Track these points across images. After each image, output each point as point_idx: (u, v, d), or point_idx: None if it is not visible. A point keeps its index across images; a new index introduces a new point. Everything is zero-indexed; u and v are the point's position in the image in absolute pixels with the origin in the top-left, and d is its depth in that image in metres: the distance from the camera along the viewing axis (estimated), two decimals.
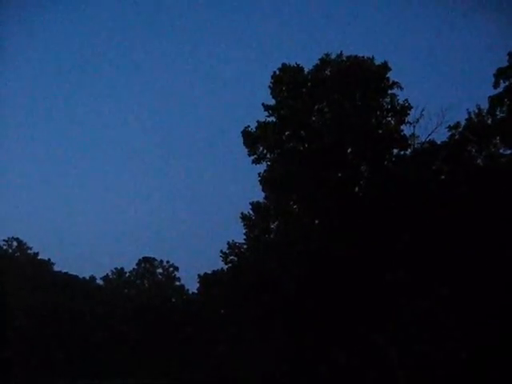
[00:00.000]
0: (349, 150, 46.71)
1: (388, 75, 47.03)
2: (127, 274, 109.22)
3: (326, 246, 44.11)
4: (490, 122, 42.98)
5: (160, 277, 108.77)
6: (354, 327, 41.09)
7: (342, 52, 47.84)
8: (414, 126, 45.59)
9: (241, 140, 47.71)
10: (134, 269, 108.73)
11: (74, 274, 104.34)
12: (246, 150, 47.35)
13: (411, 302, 38.93)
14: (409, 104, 46.26)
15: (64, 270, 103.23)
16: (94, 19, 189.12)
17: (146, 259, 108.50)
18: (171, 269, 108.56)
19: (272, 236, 51.41)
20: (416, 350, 37.60)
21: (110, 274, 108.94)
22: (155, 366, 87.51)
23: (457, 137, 43.97)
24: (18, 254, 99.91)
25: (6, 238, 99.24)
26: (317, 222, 47.93)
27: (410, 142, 46.02)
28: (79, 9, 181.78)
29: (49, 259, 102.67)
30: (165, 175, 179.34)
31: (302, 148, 47.14)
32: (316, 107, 47.86)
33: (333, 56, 47.81)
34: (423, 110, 44.77)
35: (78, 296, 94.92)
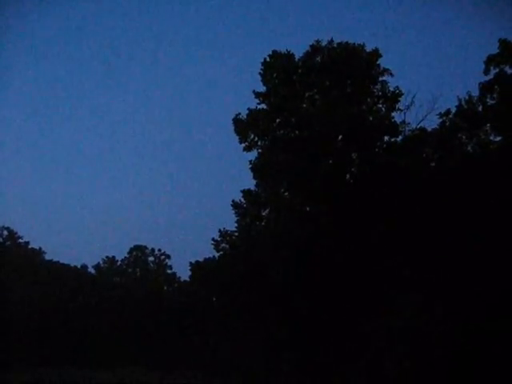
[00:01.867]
0: (339, 137, 46.68)
1: (379, 62, 47.07)
2: (119, 263, 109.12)
3: (316, 233, 44.16)
4: (480, 109, 43.02)
5: (152, 265, 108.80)
6: (343, 316, 41.21)
7: (332, 39, 47.77)
8: (405, 113, 45.70)
9: (232, 127, 47.73)
10: (125, 257, 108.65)
11: (66, 262, 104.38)
12: (237, 137, 47.39)
13: (403, 292, 39.02)
14: (400, 91, 46.32)
15: (55, 259, 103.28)
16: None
17: (137, 247, 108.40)
18: (163, 257, 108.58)
19: (263, 223, 51.36)
20: (406, 340, 37.67)
21: (101, 262, 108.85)
22: (145, 356, 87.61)
23: (447, 124, 44.02)
24: (9, 242, 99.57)
25: None
26: (308, 209, 47.96)
27: (400, 129, 46.09)
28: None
29: (40, 248, 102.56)
30: (156, 163, 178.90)
31: (292, 135, 47.09)
32: (307, 94, 47.78)
33: (324, 43, 47.66)
34: (414, 96, 44.84)
35: (70, 285, 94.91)
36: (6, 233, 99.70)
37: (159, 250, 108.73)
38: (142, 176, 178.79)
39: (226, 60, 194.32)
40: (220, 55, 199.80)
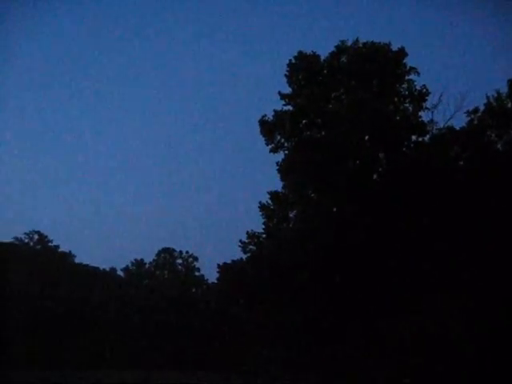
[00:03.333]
0: (366, 137, 46.50)
1: (405, 61, 46.77)
2: (147, 265, 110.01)
3: (343, 233, 44.03)
4: (509, 106, 42.50)
5: (180, 267, 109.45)
6: (369, 315, 41.00)
7: (358, 38, 47.61)
8: (432, 112, 45.39)
9: (258, 129, 47.87)
10: (153, 260, 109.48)
11: (95, 265, 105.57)
12: (264, 139, 47.49)
13: (431, 291, 38.71)
14: (426, 90, 45.98)
15: (85, 262, 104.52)
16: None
17: (165, 250, 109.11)
18: (191, 259, 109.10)
19: (291, 225, 51.30)
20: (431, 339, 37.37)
21: (130, 265, 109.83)
22: (174, 357, 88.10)
23: (476, 122, 43.56)
24: (39, 246, 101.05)
25: (27, 232, 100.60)
26: (335, 209, 47.80)
27: (428, 128, 45.77)
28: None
29: (70, 251, 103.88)
30: (183, 166, 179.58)
31: (319, 136, 47.04)
32: (333, 95, 47.69)
33: (349, 43, 47.58)
34: (441, 95, 44.51)
35: (99, 288, 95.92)
36: (36, 237, 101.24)
37: (187, 253, 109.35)
38: (169, 179, 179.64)
39: (251, 61, 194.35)
40: (246, 57, 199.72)
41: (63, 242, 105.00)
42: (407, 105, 47.02)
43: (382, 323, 39.15)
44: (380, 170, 46.53)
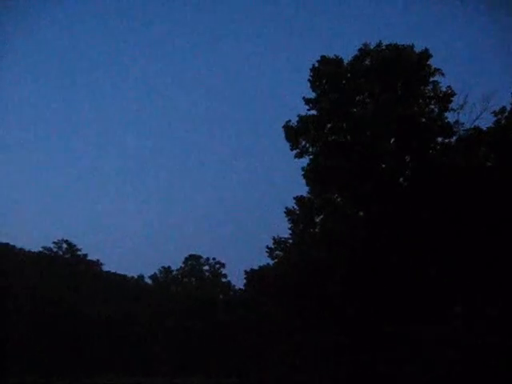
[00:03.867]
0: (392, 140, 46.21)
1: (429, 62, 46.36)
2: (174, 272, 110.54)
3: (371, 237, 43.76)
4: None
5: (207, 274, 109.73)
6: (396, 321, 40.63)
7: (380, 41, 47.23)
8: (458, 113, 44.82)
9: (283, 134, 47.85)
10: (180, 267, 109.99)
11: (123, 273, 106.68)
12: (289, 144, 47.45)
13: (456, 297, 38.27)
14: (452, 91, 45.46)
15: (113, 271, 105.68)
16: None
17: (192, 257, 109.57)
18: (217, 265, 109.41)
19: (317, 230, 51.18)
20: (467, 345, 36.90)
21: (157, 272, 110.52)
22: (204, 363, 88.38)
23: (503, 122, 42.99)
24: (69, 255, 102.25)
25: (56, 241, 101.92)
26: (361, 213, 47.56)
27: (454, 129, 45.22)
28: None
29: (98, 260, 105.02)
30: (210, 173, 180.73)
31: (344, 140, 46.86)
32: (357, 98, 47.40)
33: (372, 46, 47.30)
34: (467, 96, 43.97)
35: (127, 295, 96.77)
36: (65, 246, 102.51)
37: (214, 259, 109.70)
38: (195, 186, 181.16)
39: (275, 67, 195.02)
40: (269, 64, 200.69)
41: (92, 251, 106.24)
42: (433, 106, 46.54)
43: (414, 329, 38.73)
44: (407, 172, 46.16)
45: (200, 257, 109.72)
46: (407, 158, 46.11)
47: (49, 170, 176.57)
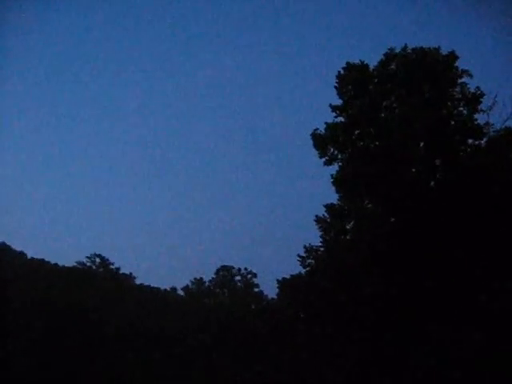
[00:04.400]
0: (421, 144, 45.82)
1: (456, 64, 45.95)
2: (206, 284, 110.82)
3: (403, 243, 43.32)
4: None
5: (239, 284, 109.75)
6: (430, 330, 40.04)
7: (406, 45, 47.04)
8: (488, 114, 44.25)
9: (311, 143, 47.90)
10: (212, 278, 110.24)
11: (156, 286, 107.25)
12: (317, 152, 47.45)
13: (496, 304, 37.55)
14: (480, 91, 44.88)
15: (146, 283, 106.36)
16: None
17: (224, 268, 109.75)
18: (249, 275, 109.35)
19: (348, 237, 50.84)
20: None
21: (190, 284, 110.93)
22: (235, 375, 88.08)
23: None
24: (101, 269, 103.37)
25: (89, 255, 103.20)
26: (393, 219, 47.14)
27: (484, 130, 44.63)
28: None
29: (130, 273, 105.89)
30: (240, 183, 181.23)
31: (373, 146, 46.66)
32: (384, 103, 47.20)
33: (397, 50, 47.10)
34: (496, 96, 43.40)
35: (160, 309, 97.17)
36: (98, 260, 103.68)
37: (245, 269, 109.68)
38: (224, 196, 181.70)
39: (301, 75, 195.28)
40: (294, 72, 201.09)
41: (124, 264, 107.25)
42: (461, 108, 46.04)
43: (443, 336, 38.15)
44: (438, 176, 45.68)
45: (232, 267, 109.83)
46: (437, 162, 45.68)
47: (78, 185, 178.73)
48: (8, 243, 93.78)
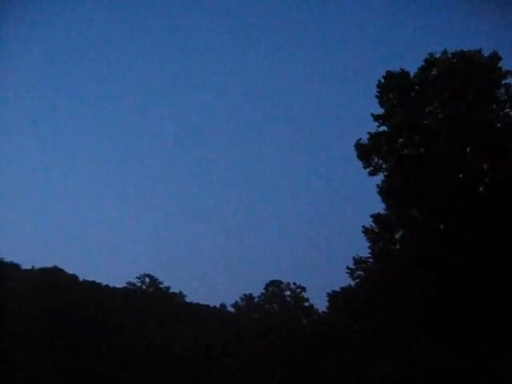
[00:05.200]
0: (467, 149, 45.07)
1: (499, 65, 45.17)
2: (256, 300, 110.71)
3: (453, 250, 42.54)
4: None
5: (288, 299, 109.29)
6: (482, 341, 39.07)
7: (446, 49, 46.54)
8: None
9: (354, 153, 47.69)
10: (262, 293, 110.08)
11: (205, 303, 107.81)
12: (361, 162, 47.17)
13: None
14: None
15: (195, 301, 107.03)
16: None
17: (273, 283, 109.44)
18: (299, 290, 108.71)
19: (397, 246, 50.18)
20: None
21: (239, 300, 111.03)
22: None
23: None
24: (151, 289, 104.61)
25: (139, 275, 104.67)
26: (442, 226, 46.35)
27: None
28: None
29: (180, 292, 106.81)
30: (285, 198, 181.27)
31: (418, 153, 46.14)
32: (427, 110, 46.70)
33: (437, 55, 46.62)
34: None
35: (209, 325, 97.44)
36: (147, 280, 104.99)
37: (294, 284, 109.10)
38: (270, 212, 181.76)
39: (338, 88, 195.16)
40: (335, 83, 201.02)
41: (174, 284, 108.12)
42: (507, 110, 45.19)
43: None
44: (486, 181, 44.78)
45: (280, 282, 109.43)
46: (485, 166, 44.82)
47: (123, 209, 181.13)
48: (60, 267, 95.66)
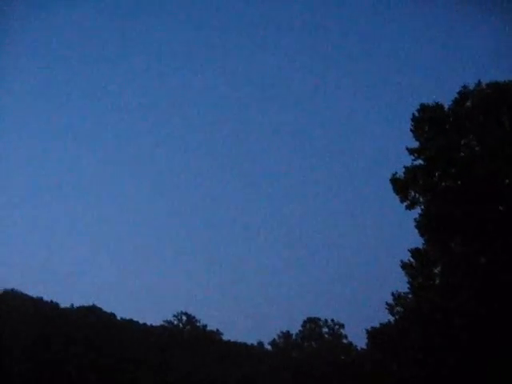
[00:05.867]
0: (506, 181, 44.43)
1: None
2: (293, 337, 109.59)
3: (496, 284, 41.57)
4: None
5: (326, 336, 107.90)
6: None
7: (480, 81, 46.42)
8: None
9: (388, 188, 47.45)
10: (299, 331, 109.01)
11: (243, 341, 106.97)
12: (398, 197, 46.86)
13: None
14: None
15: (233, 339, 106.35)
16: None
17: (310, 320, 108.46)
18: (337, 326, 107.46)
19: (437, 281, 49.29)
20: None
21: (276, 338, 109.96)
22: None
23: None
24: (188, 327, 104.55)
25: (176, 314, 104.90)
26: (483, 260, 45.44)
27: None
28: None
29: (217, 330, 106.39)
30: (322, 234, 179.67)
31: (455, 186, 45.67)
32: (463, 142, 46.41)
33: (471, 87, 46.49)
34: None
35: (245, 364, 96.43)
36: (184, 318, 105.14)
37: (332, 321, 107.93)
38: (309, 248, 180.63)
39: (369, 123, 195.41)
40: (367, 116, 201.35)
41: (210, 321, 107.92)
42: None
43: None
44: None
45: (318, 319, 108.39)
46: None
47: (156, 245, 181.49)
48: (98, 305, 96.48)
